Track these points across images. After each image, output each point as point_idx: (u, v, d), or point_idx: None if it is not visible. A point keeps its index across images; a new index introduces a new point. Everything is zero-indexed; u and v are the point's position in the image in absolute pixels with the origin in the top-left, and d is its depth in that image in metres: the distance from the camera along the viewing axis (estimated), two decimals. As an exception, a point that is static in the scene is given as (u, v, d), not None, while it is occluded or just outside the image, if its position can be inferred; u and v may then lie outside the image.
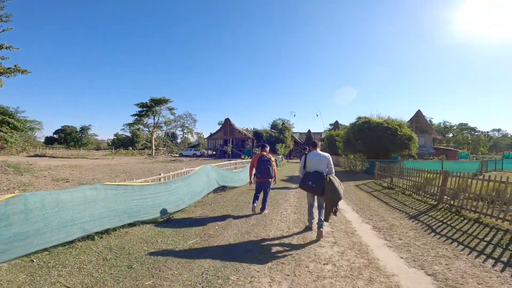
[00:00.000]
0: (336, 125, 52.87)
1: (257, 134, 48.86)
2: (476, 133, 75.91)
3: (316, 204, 4.88)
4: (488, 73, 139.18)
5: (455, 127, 70.81)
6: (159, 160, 34.16)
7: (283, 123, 50.14)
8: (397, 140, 16.67)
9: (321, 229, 4.47)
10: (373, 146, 16.88)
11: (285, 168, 23.13)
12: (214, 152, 54.78)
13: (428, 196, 8.08)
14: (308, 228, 4.99)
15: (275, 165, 6.24)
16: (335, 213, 4.52)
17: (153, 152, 43.62)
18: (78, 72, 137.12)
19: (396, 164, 17.05)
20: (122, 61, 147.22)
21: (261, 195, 6.31)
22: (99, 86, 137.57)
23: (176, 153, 57.99)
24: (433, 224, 5.68)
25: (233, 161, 13.30)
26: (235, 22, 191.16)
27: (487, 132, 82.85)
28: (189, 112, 75.88)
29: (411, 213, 6.64)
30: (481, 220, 5.65)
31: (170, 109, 48.57)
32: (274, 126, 50.05)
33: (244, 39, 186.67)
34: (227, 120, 53.79)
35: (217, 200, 8.24)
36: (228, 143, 49.28)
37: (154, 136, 47.00)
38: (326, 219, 4.55)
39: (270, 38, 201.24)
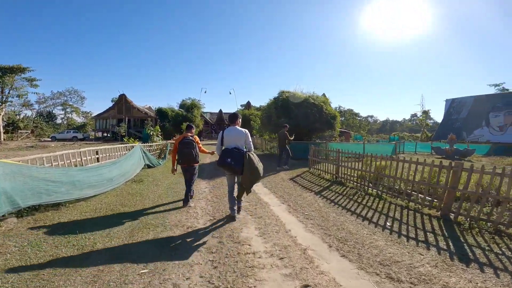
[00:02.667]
0: (248, 105, 50.61)
1: (161, 112, 41.47)
2: (358, 118, 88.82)
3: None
4: (371, 68, 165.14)
5: (347, 112, 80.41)
6: (8, 147, 23.39)
7: (192, 101, 44.16)
8: (323, 118, 14.46)
9: (240, 205, 4.65)
10: (299, 125, 14.10)
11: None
12: (106, 134, 44.38)
13: (406, 198, 5.27)
14: (231, 218, 4.36)
15: (202, 147, 5.31)
16: (247, 193, 4.24)
17: (1, 136, 30.54)
18: None
19: (321, 146, 15.06)
20: None
21: None
22: None
23: (48, 137, 43.86)
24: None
25: (93, 148, 7.61)
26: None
27: (366, 117, 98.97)
28: (74, 88, 63.86)
29: (440, 244, 3.42)
30: None
31: (30, 80, 35.41)
32: (183, 105, 43.58)
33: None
34: (122, 96, 43.96)
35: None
36: (123, 122, 40.11)
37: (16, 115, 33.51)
38: (239, 197, 4.40)
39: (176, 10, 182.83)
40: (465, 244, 3.47)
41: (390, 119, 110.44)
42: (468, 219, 4.18)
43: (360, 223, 4.33)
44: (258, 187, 7.04)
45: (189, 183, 5.19)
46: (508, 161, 13.99)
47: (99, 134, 46.29)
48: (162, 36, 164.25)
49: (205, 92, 75.39)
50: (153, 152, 11.89)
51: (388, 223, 4.30)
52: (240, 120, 4.44)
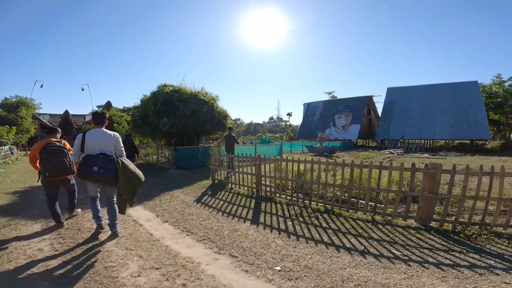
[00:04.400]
0: (108, 106, 41.74)
1: (-46, 113, 26.97)
2: (230, 121, 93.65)
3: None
4: (237, 73, 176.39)
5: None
6: None
7: (20, 99, 31.23)
8: (215, 117, 12.49)
9: (116, 228, 3.65)
10: (188, 126, 11.57)
11: (21, 167, 11.87)
12: None
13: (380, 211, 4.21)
14: (99, 227, 3.77)
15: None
16: (130, 204, 3.59)
17: None
18: None
19: (211, 150, 13.10)
20: None
21: None
22: None
23: None
24: None
25: None
26: None
27: (235, 120, 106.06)
28: None
29: (499, 266, 2.38)
30: None
31: None
32: (4, 105, 29.86)
33: None
34: None
35: None
36: None
37: None
38: (122, 211, 3.64)
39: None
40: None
41: (254, 121, 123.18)
42: (459, 226, 3.45)
43: (369, 262, 2.79)
44: (156, 224, 4.27)
45: (70, 196, 4.51)
46: (364, 155, 16.94)
47: None
48: None
49: (42, 87, 54.63)
50: None
51: (396, 251, 2.93)
52: (107, 121, 3.75)
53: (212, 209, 5.10)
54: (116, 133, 3.65)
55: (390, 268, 2.63)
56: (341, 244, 3.26)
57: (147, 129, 12.66)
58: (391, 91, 29.97)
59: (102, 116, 3.65)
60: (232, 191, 6.58)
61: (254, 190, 6.28)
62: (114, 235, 3.63)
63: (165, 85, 12.48)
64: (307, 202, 5.06)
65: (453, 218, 3.59)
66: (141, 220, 4.50)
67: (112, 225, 3.63)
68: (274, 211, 4.83)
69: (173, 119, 11.48)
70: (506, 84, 26.16)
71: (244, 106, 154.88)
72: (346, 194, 4.68)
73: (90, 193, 3.72)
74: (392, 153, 19.88)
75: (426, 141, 26.55)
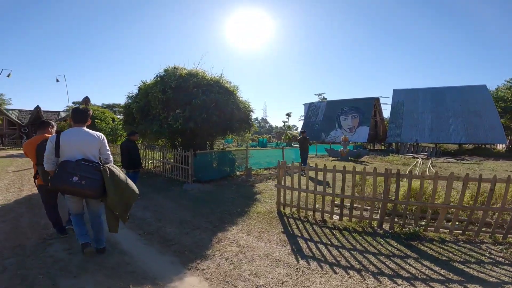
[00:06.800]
0: (86, 101, 37.35)
1: None
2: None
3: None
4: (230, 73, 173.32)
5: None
6: None
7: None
8: (241, 112, 9.85)
9: (104, 244, 3.07)
10: (209, 120, 8.77)
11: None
12: None
13: None
14: (86, 246, 2.93)
15: None
16: (124, 220, 2.94)
17: None
18: None
19: (232, 155, 10.45)
20: None
21: None
22: None
23: None
24: None
25: None
26: None
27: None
28: None
29: None
30: None
31: None
32: None
33: None
34: None
35: None
36: None
37: None
38: (114, 229, 2.93)
39: None
40: None
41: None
42: None
43: None
44: None
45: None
46: (398, 160, 14.97)
47: None
48: None
49: (9, 76, 48.30)
50: None
51: None
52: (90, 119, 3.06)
53: (354, 272, 2.60)
54: (101, 134, 3.04)
55: None
56: None
57: (152, 126, 9.57)
58: (397, 93, 28.69)
59: (85, 113, 2.97)
60: (326, 225, 4.06)
61: (374, 222, 3.81)
62: (101, 251, 3.00)
63: (175, 68, 9.68)
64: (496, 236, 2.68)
65: None
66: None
67: (99, 240, 3.01)
68: (465, 257, 2.45)
69: (189, 111, 8.67)
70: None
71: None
72: None
73: (72, 209, 3.01)
74: (415, 157, 18.23)
75: (437, 145, 25.32)
